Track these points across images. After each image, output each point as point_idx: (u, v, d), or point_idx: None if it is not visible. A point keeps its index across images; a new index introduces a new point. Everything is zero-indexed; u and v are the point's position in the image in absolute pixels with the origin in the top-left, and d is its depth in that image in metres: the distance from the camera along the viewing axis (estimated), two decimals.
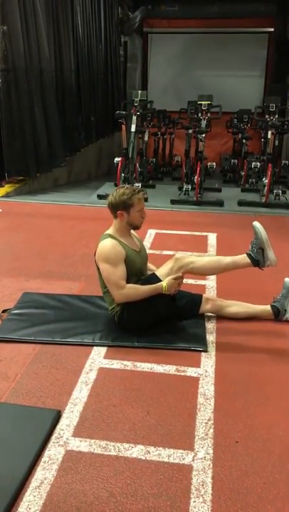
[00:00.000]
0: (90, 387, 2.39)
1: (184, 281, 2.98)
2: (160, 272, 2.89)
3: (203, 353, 2.71)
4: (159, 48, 12.09)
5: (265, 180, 6.73)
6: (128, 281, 2.81)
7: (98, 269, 2.88)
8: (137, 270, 2.90)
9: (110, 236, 2.87)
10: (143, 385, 2.42)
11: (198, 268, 2.94)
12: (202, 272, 3.03)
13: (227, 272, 3.03)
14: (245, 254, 2.93)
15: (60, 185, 8.16)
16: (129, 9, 11.14)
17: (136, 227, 2.95)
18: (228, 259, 2.98)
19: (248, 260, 2.92)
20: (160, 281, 2.81)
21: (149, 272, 3.02)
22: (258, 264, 2.92)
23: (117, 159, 6.89)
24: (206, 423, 2.16)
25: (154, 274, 2.91)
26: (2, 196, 6.55)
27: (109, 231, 2.92)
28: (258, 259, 2.90)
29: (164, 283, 2.78)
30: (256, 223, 2.97)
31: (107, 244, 2.82)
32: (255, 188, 7.68)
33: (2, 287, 3.52)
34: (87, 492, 1.78)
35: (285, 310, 3.08)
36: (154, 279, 2.85)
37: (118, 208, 2.84)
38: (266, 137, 7.43)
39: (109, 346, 2.76)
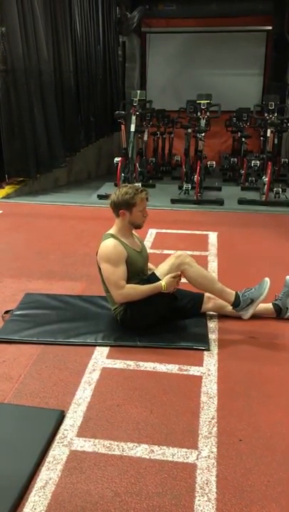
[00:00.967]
0: (93, 387, 2.39)
1: (185, 280, 2.98)
2: (161, 270, 2.89)
3: (205, 352, 2.72)
4: (157, 47, 12.10)
5: (265, 179, 6.73)
6: (130, 282, 2.81)
7: (100, 269, 2.88)
8: (138, 270, 2.91)
9: (112, 236, 2.87)
10: (146, 384, 2.43)
11: (189, 274, 2.90)
12: (190, 279, 2.95)
13: (210, 294, 3.01)
14: (234, 292, 2.94)
15: (60, 186, 8.17)
16: (127, 9, 11.15)
17: (138, 227, 2.96)
18: (219, 286, 2.97)
19: (231, 299, 2.92)
20: (159, 280, 2.81)
21: (148, 272, 3.02)
22: (236, 307, 2.93)
23: (116, 159, 6.90)
24: (210, 421, 2.16)
25: (153, 273, 2.92)
26: (3, 197, 6.56)
27: (111, 231, 2.92)
28: (239, 304, 2.91)
29: (162, 282, 2.79)
30: (268, 280, 2.94)
31: (108, 245, 2.82)
32: (255, 187, 7.69)
33: (4, 288, 3.53)
34: (91, 492, 1.79)
35: (287, 308, 3.08)
36: (154, 278, 2.85)
37: (120, 207, 2.85)
38: (265, 135, 7.43)
39: (111, 346, 2.76)
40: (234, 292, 2.94)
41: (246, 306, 2.91)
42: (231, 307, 2.96)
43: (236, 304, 2.92)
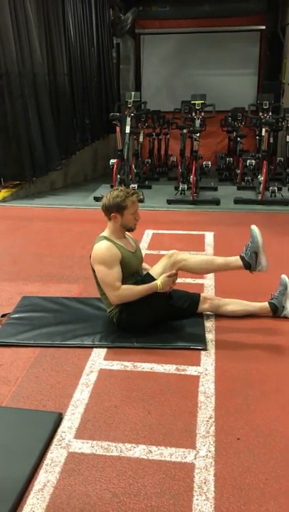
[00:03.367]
0: (90, 389, 2.40)
1: (182, 280, 2.99)
2: (154, 271, 2.89)
3: (202, 352, 2.72)
4: (151, 48, 12.12)
5: (261, 178, 6.75)
6: (125, 283, 2.81)
7: (94, 271, 2.89)
8: (133, 271, 2.91)
9: (105, 238, 2.87)
10: (143, 385, 2.43)
11: (189, 266, 2.93)
12: (193, 271, 3.00)
13: (219, 271, 3.01)
14: (238, 257, 2.94)
15: (56, 189, 8.18)
16: (121, 11, 11.17)
17: (130, 229, 2.96)
18: (220, 260, 2.98)
19: (240, 263, 2.92)
20: (154, 280, 2.82)
21: (143, 272, 3.03)
22: (250, 268, 2.93)
23: (112, 161, 6.90)
24: (207, 421, 2.17)
25: (148, 273, 2.92)
26: None
27: (105, 233, 2.92)
28: (250, 263, 2.91)
29: (158, 281, 2.79)
30: (254, 227, 2.96)
31: (102, 247, 2.82)
32: (251, 186, 7.69)
33: (0, 291, 3.53)
34: (90, 493, 1.79)
35: (283, 307, 3.09)
36: (149, 278, 2.86)
37: (112, 210, 2.84)
38: (261, 135, 7.44)
39: (108, 347, 2.77)
40: (238, 257, 2.93)
41: (256, 261, 2.89)
42: (248, 271, 2.94)
43: (247, 266, 2.91)
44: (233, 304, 3.10)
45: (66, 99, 8.21)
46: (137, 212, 2.89)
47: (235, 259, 2.94)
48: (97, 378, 2.48)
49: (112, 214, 2.85)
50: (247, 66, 11.90)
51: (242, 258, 2.92)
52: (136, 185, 6.99)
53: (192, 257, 2.96)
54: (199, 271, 3.00)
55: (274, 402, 2.31)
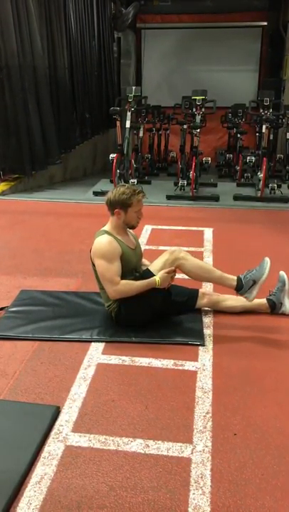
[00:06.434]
0: (88, 383, 2.40)
1: (181, 276, 2.99)
2: (154, 266, 2.89)
3: (200, 347, 2.73)
4: (152, 43, 12.06)
5: (261, 175, 6.74)
6: (124, 279, 2.81)
7: (94, 265, 2.88)
8: (132, 267, 2.91)
9: (106, 232, 2.87)
10: (141, 379, 2.44)
11: (187, 267, 2.91)
12: (188, 273, 2.96)
13: (212, 283, 3.00)
14: (236, 277, 2.91)
15: (55, 183, 8.16)
16: (122, 5, 11.10)
17: (132, 227, 2.96)
18: (218, 273, 2.95)
19: (233, 283, 2.90)
20: (153, 276, 2.81)
21: (143, 267, 3.02)
22: (239, 290, 2.91)
23: (112, 156, 6.89)
24: (205, 416, 2.17)
25: (147, 269, 2.92)
26: None
27: (106, 227, 2.92)
28: (242, 287, 2.88)
29: (156, 277, 2.79)
30: (268, 259, 2.92)
31: (103, 241, 2.82)
32: (251, 183, 7.69)
33: None
34: (87, 486, 1.80)
35: (281, 303, 3.09)
36: (148, 274, 2.85)
37: (116, 206, 2.84)
38: (261, 131, 7.43)
39: (107, 342, 2.77)
40: (235, 277, 2.92)
41: (249, 288, 2.88)
42: (235, 291, 2.93)
43: (239, 287, 2.89)
44: (232, 300, 3.11)
45: (66, 93, 8.18)
46: (140, 211, 2.89)
47: (231, 279, 2.92)
48: (95, 372, 2.48)
49: (116, 210, 2.85)
50: (248, 62, 11.86)
51: (238, 280, 2.90)
52: (135, 181, 7.00)
53: (192, 260, 2.93)
54: (194, 275, 2.96)
55: (271, 398, 2.31)
